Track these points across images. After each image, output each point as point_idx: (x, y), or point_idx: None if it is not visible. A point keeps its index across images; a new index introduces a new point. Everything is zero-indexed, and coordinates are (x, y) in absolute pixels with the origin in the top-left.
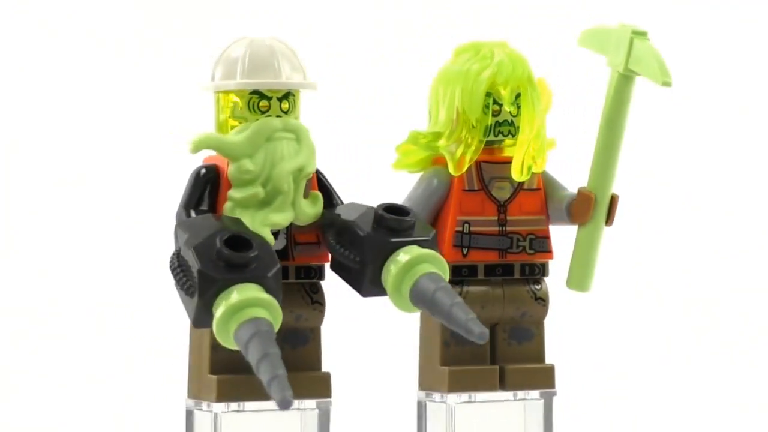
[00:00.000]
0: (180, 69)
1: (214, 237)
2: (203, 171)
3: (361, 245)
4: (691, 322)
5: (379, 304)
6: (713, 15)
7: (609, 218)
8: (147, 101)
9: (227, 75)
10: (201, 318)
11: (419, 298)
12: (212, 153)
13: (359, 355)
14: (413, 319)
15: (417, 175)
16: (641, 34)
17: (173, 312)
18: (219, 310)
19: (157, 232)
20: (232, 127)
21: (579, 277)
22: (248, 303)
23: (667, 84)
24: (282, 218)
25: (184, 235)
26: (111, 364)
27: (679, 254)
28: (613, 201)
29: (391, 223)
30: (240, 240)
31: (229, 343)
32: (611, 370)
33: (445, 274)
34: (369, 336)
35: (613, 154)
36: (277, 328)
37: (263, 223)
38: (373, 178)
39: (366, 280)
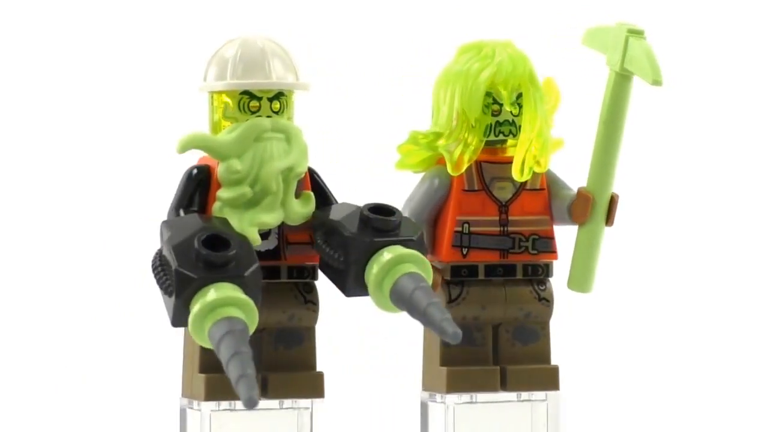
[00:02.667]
0: (177, 69)
1: (193, 236)
2: (195, 171)
3: (345, 245)
4: (694, 322)
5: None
6: (714, 14)
7: (609, 218)
8: (143, 102)
9: (219, 75)
10: (179, 317)
11: (398, 297)
12: (204, 154)
13: (365, 355)
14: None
15: (420, 175)
16: (638, 32)
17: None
18: (194, 309)
19: (150, 232)
20: (225, 128)
21: (580, 278)
22: (223, 302)
23: (657, 83)
24: (271, 218)
25: (166, 234)
26: (105, 364)
27: (681, 254)
28: (612, 201)
29: (377, 224)
30: (219, 239)
31: (204, 342)
32: (614, 371)
33: (428, 275)
34: (375, 336)
35: (611, 153)
36: (252, 328)
37: (251, 223)
38: (375, 178)
39: (350, 280)
